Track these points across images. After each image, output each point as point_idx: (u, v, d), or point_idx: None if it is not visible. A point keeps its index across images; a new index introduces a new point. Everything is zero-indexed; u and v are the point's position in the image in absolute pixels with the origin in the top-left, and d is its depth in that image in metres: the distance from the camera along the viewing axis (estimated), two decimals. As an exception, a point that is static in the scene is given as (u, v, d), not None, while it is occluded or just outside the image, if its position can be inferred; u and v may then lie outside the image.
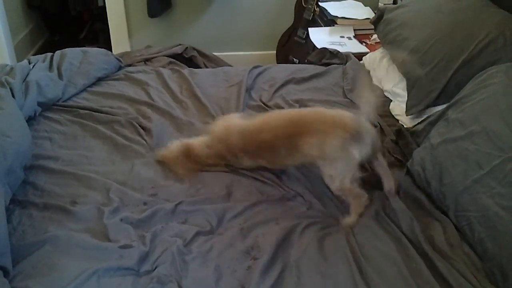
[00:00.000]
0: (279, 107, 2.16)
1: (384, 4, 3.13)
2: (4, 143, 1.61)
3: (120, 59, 2.54)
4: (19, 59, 3.82)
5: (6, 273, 1.29)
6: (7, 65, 2.20)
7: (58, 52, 2.35)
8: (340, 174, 1.57)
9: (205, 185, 1.70)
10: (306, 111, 1.77)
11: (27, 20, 4.28)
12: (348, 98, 2.24)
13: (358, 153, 1.54)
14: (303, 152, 1.59)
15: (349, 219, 1.56)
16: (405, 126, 2.02)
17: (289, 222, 1.56)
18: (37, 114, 2.03)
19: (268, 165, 1.73)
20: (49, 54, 2.34)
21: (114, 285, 1.30)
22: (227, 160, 1.76)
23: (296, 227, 1.53)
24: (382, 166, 1.65)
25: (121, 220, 1.52)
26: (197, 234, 1.50)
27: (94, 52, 2.44)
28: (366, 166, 1.71)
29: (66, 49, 2.40)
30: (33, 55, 3.90)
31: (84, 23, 4.68)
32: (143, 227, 1.52)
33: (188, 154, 1.75)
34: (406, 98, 2.08)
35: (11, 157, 1.60)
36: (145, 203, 1.61)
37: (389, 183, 1.63)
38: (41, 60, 2.27)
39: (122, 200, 1.61)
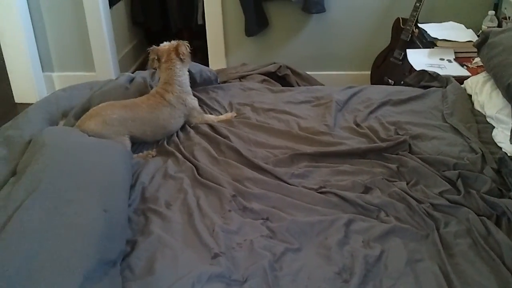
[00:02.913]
0: (372, 129, 2.13)
1: (488, 27, 3.03)
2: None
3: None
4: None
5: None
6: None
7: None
8: None
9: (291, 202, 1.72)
10: None
11: (131, 36, 4.54)
12: (447, 123, 2.16)
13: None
14: None
15: None
16: (508, 154, 1.92)
17: (375, 241, 1.52)
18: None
19: None
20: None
21: (207, 294, 1.33)
22: None
23: (384, 249, 1.49)
24: None
25: (211, 227, 1.57)
26: (286, 250, 1.50)
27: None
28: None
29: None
30: (135, 69, 4.14)
31: (183, 40, 4.87)
32: (232, 235, 1.55)
33: None
34: (510, 125, 1.98)
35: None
36: (229, 210, 1.67)
37: None
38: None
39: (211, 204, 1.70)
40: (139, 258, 1.44)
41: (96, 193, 1.50)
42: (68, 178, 1.52)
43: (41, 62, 3.90)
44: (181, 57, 2.23)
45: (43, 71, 3.93)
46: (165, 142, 2.10)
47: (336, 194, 1.74)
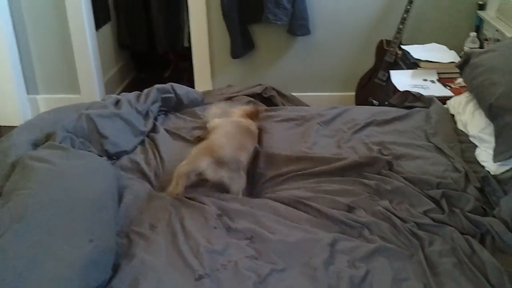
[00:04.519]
0: (355, 150, 2.14)
1: (471, 48, 3.08)
2: None
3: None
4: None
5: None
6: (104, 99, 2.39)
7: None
8: None
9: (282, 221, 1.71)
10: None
11: (117, 59, 4.54)
12: (431, 142, 2.18)
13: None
14: None
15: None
16: (491, 173, 1.93)
17: (360, 261, 1.52)
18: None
19: None
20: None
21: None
22: None
23: (370, 269, 1.48)
24: None
25: (196, 248, 1.56)
26: (272, 271, 1.48)
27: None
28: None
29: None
30: (121, 91, 4.14)
31: (169, 62, 4.90)
32: (217, 256, 1.54)
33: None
34: (493, 144, 2.00)
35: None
36: (215, 227, 1.65)
37: None
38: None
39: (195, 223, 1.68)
40: (122, 282, 1.41)
41: (83, 222, 1.49)
42: (55, 206, 1.50)
43: (25, 84, 3.88)
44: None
45: (27, 94, 3.90)
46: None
47: (320, 213, 1.74)
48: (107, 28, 4.33)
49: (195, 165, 1.83)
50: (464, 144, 2.18)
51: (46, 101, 3.93)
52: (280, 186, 1.95)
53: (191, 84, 3.81)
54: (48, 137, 2.04)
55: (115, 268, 1.47)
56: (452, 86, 2.92)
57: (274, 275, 1.47)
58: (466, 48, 3.20)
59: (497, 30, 3.16)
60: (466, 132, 2.27)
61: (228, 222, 1.68)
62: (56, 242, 1.38)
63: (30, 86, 3.92)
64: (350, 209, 1.77)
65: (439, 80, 2.99)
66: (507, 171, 1.86)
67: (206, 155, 1.84)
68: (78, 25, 3.70)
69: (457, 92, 2.80)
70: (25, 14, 3.70)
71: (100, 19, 4.07)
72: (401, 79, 3.02)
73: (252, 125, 2.20)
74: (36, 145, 2.01)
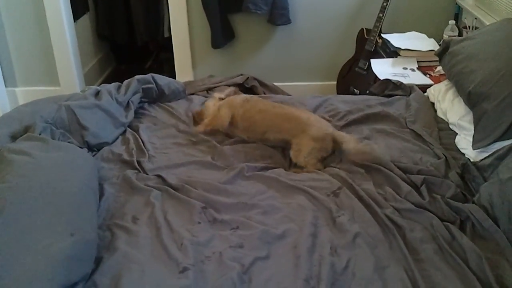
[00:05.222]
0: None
1: (449, 36, 3.10)
2: None
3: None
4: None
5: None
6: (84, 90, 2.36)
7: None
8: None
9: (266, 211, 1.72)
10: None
11: (96, 50, 4.49)
12: (409, 128, 2.21)
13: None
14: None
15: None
16: (471, 160, 1.96)
17: (342, 249, 1.53)
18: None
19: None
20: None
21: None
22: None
23: (352, 256, 1.50)
24: None
25: (180, 241, 1.55)
26: (255, 260, 1.49)
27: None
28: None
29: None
30: (101, 83, 4.10)
31: (150, 53, 4.86)
32: (201, 248, 1.53)
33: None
34: (472, 132, 2.03)
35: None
36: (199, 222, 1.64)
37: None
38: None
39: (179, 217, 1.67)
40: (104, 275, 1.41)
41: (63, 216, 1.47)
42: (34, 199, 1.48)
43: (3, 77, 3.81)
44: None
45: (6, 86, 3.84)
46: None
47: (305, 198, 1.76)
48: (85, 19, 4.27)
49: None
50: (444, 132, 2.21)
51: (25, 94, 3.88)
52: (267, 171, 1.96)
53: (172, 74, 3.78)
54: (27, 129, 2.01)
55: (97, 262, 1.46)
56: (431, 74, 2.94)
57: (258, 263, 1.48)
58: (445, 36, 3.22)
59: (475, 18, 3.19)
60: (446, 119, 2.29)
61: (213, 214, 1.68)
62: (35, 237, 1.36)
63: (8, 79, 3.85)
64: (334, 194, 1.79)
65: (419, 68, 3.01)
66: (486, 158, 1.88)
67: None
68: (55, 16, 3.64)
69: (436, 80, 2.82)
70: (1, 5, 3.63)
71: (78, 9, 4.01)
72: (381, 68, 3.03)
73: None
74: (14, 137, 1.98)
